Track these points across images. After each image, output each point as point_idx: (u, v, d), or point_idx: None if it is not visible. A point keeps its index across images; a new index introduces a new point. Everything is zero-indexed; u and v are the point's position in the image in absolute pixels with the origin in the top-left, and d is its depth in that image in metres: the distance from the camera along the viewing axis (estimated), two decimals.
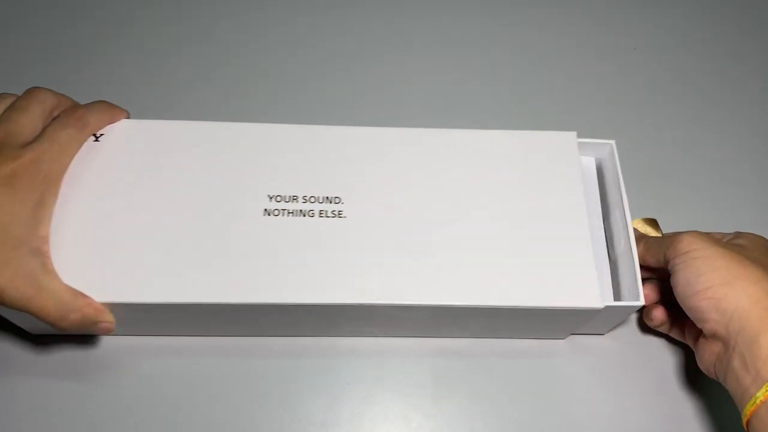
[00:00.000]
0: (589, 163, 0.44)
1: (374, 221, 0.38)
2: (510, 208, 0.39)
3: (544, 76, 0.55)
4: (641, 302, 0.38)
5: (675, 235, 0.38)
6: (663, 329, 0.43)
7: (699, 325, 0.37)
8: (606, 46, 0.57)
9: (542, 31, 0.57)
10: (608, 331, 0.44)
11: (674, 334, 0.42)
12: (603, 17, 0.59)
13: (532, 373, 0.42)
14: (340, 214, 0.38)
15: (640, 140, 0.52)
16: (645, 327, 0.44)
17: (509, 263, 0.37)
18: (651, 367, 0.43)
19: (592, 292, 0.37)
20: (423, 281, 0.36)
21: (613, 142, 0.43)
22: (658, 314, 0.42)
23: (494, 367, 0.42)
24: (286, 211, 0.38)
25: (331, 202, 0.38)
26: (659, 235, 0.43)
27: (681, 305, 0.37)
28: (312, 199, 0.38)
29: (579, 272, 0.37)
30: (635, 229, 0.42)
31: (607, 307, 0.37)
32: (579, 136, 0.42)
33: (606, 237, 0.42)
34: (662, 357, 0.44)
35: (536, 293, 0.37)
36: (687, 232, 0.38)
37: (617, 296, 0.40)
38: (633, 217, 0.42)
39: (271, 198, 0.38)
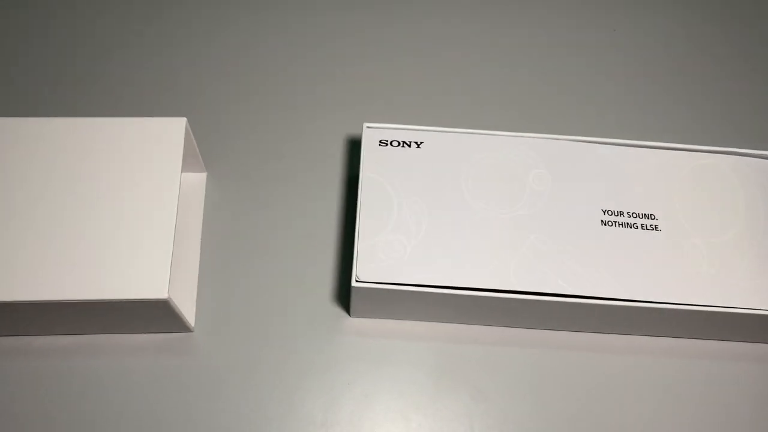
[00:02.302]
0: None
1: None
2: (100, 197, 0.38)
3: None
4: None
5: None
6: None
7: None
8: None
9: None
10: None
11: None
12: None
13: (534, 372, 0.42)
14: None
15: None
16: None
17: (83, 256, 0.37)
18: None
19: (160, 284, 0.36)
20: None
21: None
22: None
23: (495, 366, 0.42)
24: None
25: None
26: None
27: None
28: None
29: (150, 264, 0.37)
30: None
31: None
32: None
33: None
34: None
35: (104, 286, 0.36)
36: None
37: None
38: None
39: None
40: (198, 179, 0.48)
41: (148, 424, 0.40)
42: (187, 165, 0.46)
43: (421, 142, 0.42)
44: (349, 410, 0.41)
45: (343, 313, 0.44)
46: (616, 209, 0.41)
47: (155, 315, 0.39)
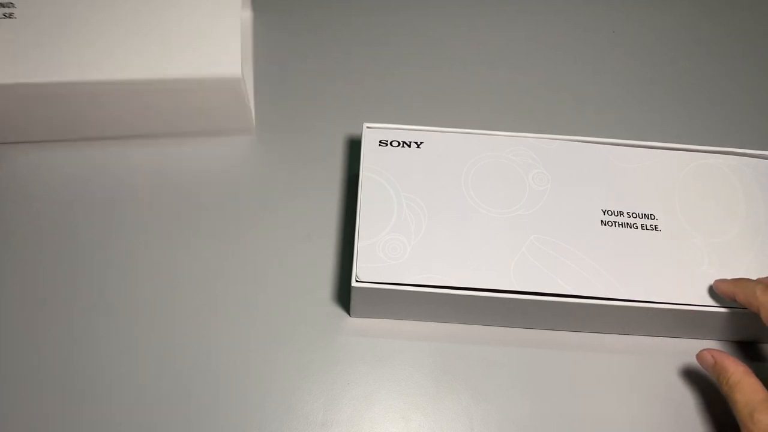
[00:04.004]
0: None
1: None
2: None
3: None
4: None
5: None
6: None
7: None
8: None
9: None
10: None
11: None
12: None
13: (534, 372, 0.42)
14: (11, 16, 0.43)
15: None
16: None
17: (155, 37, 0.40)
18: None
19: (232, 61, 0.41)
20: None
21: None
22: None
23: (495, 366, 0.42)
24: None
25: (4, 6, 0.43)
26: None
27: None
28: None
29: (221, 44, 0.41)
30: None
31: None
32: None
33: None
34: None
35: (170, 63, 0.40)
36: None
37: None
38: None
39: None
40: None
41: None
42: None
43: (421, 142, 0.42)
44: (349, 410, 0.41)
45: (343, 313, 0.44)
46: (616, 209, 0.41)
47: (223, 102, 0.40)
